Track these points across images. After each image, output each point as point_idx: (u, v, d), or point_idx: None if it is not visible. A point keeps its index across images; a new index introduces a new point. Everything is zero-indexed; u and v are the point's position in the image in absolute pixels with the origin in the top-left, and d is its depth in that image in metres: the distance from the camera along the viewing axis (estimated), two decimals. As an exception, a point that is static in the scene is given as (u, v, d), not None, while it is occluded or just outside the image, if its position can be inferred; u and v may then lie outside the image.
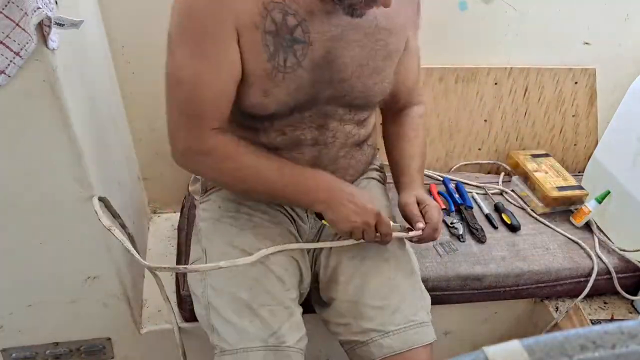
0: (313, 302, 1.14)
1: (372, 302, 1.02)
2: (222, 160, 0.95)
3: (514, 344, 0.35)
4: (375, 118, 1.17)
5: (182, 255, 1.33)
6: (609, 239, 1.43)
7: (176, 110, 0.93)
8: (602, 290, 1.39)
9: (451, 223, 1.42)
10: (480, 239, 1.38)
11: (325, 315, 1.09)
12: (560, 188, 1.49)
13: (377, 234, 0.97)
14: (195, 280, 1.07)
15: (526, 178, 1.56)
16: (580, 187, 1.51)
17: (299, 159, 1.03)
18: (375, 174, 1.25)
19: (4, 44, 0.79)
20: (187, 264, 1.18)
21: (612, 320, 1.36)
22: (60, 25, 0.84)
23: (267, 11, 0.88)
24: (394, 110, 1.20)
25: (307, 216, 1.15)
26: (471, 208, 1.48)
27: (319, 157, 1.05)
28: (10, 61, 0.81)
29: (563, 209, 1.51)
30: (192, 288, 1.08)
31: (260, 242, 1.03)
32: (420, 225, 1.01)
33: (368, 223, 0.95)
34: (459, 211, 1.47)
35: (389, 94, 1.10)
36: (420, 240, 1.04)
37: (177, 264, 1.31)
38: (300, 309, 1.02)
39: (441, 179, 1.60)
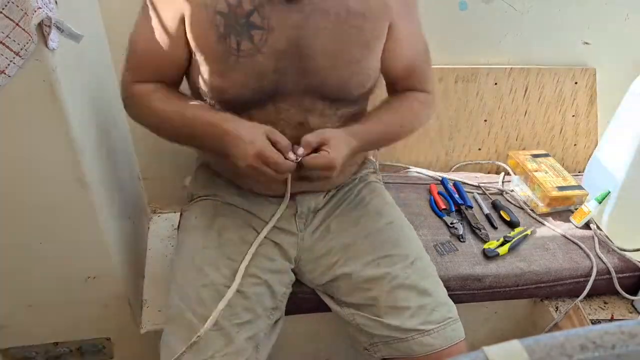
0: (329, 299, 1.12)
1: (409, 302, 1.02)
2: (140, 106, 1.01)
3: (514, 344, 0.35)
4: (364, 114, 1.13)
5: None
6: (608, 238, 1.43)
7: (125, 61, 1.01)
8: (602, 290, 1.39)
9: (451, 223, 1.42)
10: (483, 238, 1.38)
11: (346, 311, 1.08)
12: (560, 188, 1.49)
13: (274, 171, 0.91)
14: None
15: (526, 178, 1.56)
16: (580, 187, 1.51)
17: None
18: (372, 177, 1.24)
19: (3, 44, 0.79)
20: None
21: (612, 320, 1.36)
22: (59, 29, 0.84)
23: None
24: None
25: (296, 222, 1.12)
26: (471, 208, 1.48)
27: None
28: (10, 61, 0.81)
29: (563, 209, 1.51)
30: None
31: (222, 260, 1.02)
32: (292, 155, 0.92)
33: (253, 166, 0.91)
34: (459, 211, 1.47)
35: (386, 83, 1.09)
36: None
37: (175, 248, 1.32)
38: (250, 333, 0.98)
39: (440, 178, 1.60)
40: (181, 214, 1.33)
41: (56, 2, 0.86)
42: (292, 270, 1.12)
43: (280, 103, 0.98)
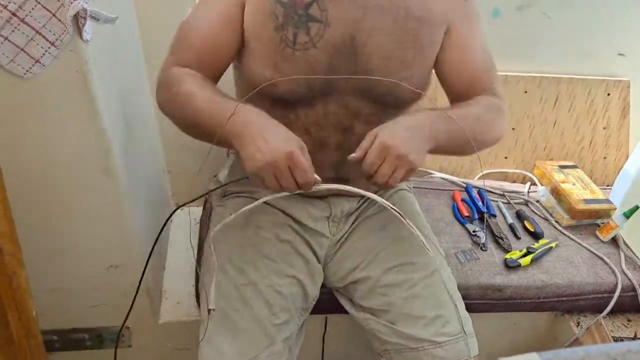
0: (346, 301, 1.12)
1: (424, 312, 1.01)
2: (170, 86, 0.91)
3: (532, 357, 0.34)
4: None
5: (203, 249, 1.34)
6: (635, 255, 1.40)
7: (170, 47, 0.97)
8: (627, 308, 1.36)
9: (473, 231, 1.40)
10: (505, 248, 1.36)
11: (362, 315, 1.07)
12: (588, 201, 1.46)
13: (294, 180, 0.82)
14: (202, 283, 1.07)
15: (553, 189, 1.54)
16: (608, 201, 1.48)
17: (321, 163, 0.98)
18: (404, 184, 1.23)
19: (40, 34, 0.81)
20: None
21: (635, 338, 1.33)
22: (95, 19, 0.86)
23: None
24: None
25: (328, 225, 1.11)
26: (495, 216, 1.46)
27: (340, 163, 1.02)
28: (46, 51, 0.83)
29: (589, 222, 1.48)
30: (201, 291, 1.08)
31: (260, 259, 1.02)
32: (317, 176, 0.84)
33: (276, 165, 0.79)
34: (482, 219, 1.46)
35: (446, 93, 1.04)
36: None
37: (197, 259, 1.32)
38: (287, 334, 0.98)
39: (464, 185, 1.58)
40: (204, 209, 1.33)
41: (92, -5, 0.88)
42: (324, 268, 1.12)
43: (329, 104, 0.97)
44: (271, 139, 0.80)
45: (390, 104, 0.99)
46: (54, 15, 0.80)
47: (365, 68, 0.94)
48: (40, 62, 0.83)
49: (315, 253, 1.10)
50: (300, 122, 0.98)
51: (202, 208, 1.52)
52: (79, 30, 0.83)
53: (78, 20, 0.82)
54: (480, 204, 1.50)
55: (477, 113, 0.97)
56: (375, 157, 0.83)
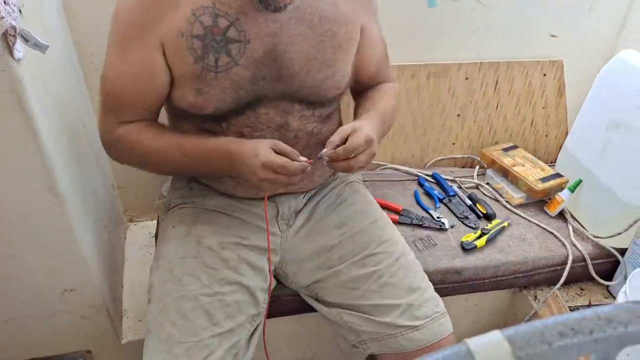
0: (313, 301, 1.12)
1: (397, 299, 1.03)
2: (129, 149, 1.00)
3: (495, 335, 0.36)
4: (340, 114, 1.16)
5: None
6: (582, 226, 1.46)
7: (101, 104, 0.99)
8: (579, 277, 1.42)
9: (437, 217, 1.43)
10: (473, 226, 1.42)
11: (333, 311, 1.08)
12: (543, 179, 1.51)
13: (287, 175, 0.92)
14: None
15: (505, 174, 1.58)
16: (560, 175, 1.53)
17: None
18: (352, 177, 1.24)
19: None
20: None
21: (589, 306, 1.39)
22: (24, 39, 0.82)
23: (195, 17, 0.91)
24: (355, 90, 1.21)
25: (278, 223, 1.12)
26: (454, 195, 1.52)
27: None
28: (-25, 73, 0.79)
29: (538, 199, 1.54)
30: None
31: (201, 269, 1.01)
32: (302, 158, 0.93)
33: (265, 177, 0.91)
34: (444, 204, 1.51)
35: (353, 83, 1.12)
36: (335, 164, 0.95)
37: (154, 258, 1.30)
38: (232, 341, 0.96)
39: (417, 174, 1.61)
40: (158, 223, 1.31)
41: (20, 12, 0.84)
42: (275, 273, 1.12)
43: (258, 108, 0.99)
44: (246, 160, 0.91)
45: (317, 101, 1.04)
46: (-20, 34, 0.77)
47: (288, 73, 0.98)
48: (-31, 85, 0.79)
49: (264, 256, 1.08)
50: (232, 128, 1.01)
51: (155, 221, 1.49)
52: (9, 48, 0.80)
53: (7, 38, 0.79)
54: (436, 192, 1.52)
55: (392, 105, 1.14)
56: (362, 144, 0.92)
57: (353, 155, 0.92)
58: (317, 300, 1.12)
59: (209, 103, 0.96)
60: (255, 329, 1.04)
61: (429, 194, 1.53)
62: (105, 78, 0.97)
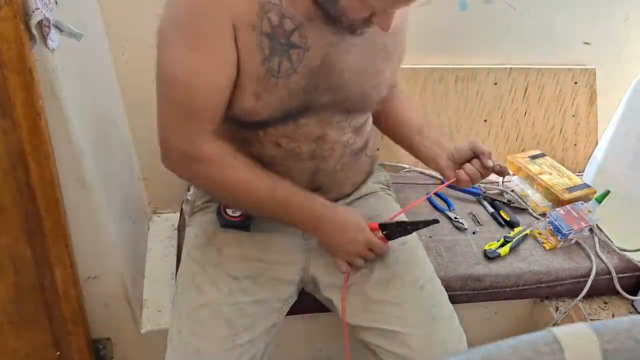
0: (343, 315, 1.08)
1: (416, 330, 0.98)
2: (216, 171, 0.92)
3: (582, 326, 0.36)
4: (371, 123, 1.13)
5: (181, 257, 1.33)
6: (609, 239, 1.43)
7: (169, 111, 0.89)
8: (603, 291, 1.39)
9: (455, 218, 1.43)
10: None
11: (355, 331, 1.05)
12: (570, 189, 1.49)
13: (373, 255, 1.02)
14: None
15: (532, 182, 1.56)
16: (587, 185, 1.51)
17: (294, 174, 1.00)
18: (377, 187, 1.21)
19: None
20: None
21: (612, 320, 1.36)
22: (59, 29, 0.84)
23: (264, 12, 0.85)
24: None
25: (302, 233, 1.08)
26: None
27: (315, 172, 1.02)
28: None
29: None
30: None
31: (222, 278, 0.99)
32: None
33: (359, 253, 1.00)
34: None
35: None
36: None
37: (176, 265, 1.31)
38: (252, 353, 0.95)
39: (441, 178, 1.59)
40: (181, 216, 1.32)
41: (56, 3, 0.86)
42: (301, 282, 1.09)
43: (300, 119, 0.96)
44: (350, 232, 0.99)
45: (359, 110, 1.02)
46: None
47: (337, 83, 0.95)
48: (5, 73, 0.82)
49: (289, 263, 1.06)
50: (269, 137, 0.97)
51: (178, 214, 1.51)
52: (44, 38, 0.82)
53: (42, 29, 0.81)
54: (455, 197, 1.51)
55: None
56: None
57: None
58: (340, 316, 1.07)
59: (264, 110, 0.91)
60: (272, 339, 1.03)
61: (442, 198, 1.53)
62: (174, 81, 0.87)
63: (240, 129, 0.97)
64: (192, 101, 0.87)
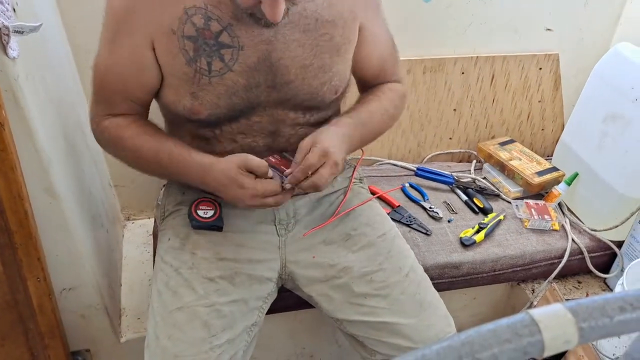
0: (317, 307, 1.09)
1: (405, 318, 1.00)
2: (111, 142, 1.00)
3: (557, 307, 0.37)
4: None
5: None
6: (579, 219, 1.47)
7: (92, 93, 0.99)
8: (576, 270, 1.43)
9: (430, 207, 1.44)
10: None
11: (342, 326, 1.05)
12: (540, 173, 1.52)
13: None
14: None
15: (502, 168, 1.59)
16: (556, 169, 1.54)
17: None
18: (347, 182, 1.19)
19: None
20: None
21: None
22: (19, 32, 0.82)
23: (188, 16, 0.89)
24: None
25: (276, 228, 1.08)
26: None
27: None
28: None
29: (536, 192, 1.54)
30: None
31: (197, 280, 0.99)
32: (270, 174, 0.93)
33: (251, 202, 0.92)
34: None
35: (358, 82, 1.11)
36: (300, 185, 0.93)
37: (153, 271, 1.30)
38: (231, 353, 0.96)
39: (414, 169, 1.61)
40: (155, 222, 1.31)
41: (14, 10, 0.84)
42: (280, 279, 1.08)
43: (252, 116, 0.98)
44: (231, 191, 0.92)
45: (313, 107, 1.02)
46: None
47: (283, 80, 0.96)
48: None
49: (265, 262, 1.05)
50: (225, 135, 1.00)
51: (153, 219, 1.49)
52: (3, 47, 0.80)
53: (1, 37, 0.79)
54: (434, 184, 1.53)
55: (385, 107, 1.09)
56: (317, 161, 0.90)
57: (311, 172, 0.91)
58: (324, 311, 1.08)
59: (204, 108, 0.95)
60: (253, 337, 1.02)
61: (416, 189, 1.54)
62: (95, 69, 0.97)
63: (199, 129, 1.01)
64: (103, 89, 0.98)
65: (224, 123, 0.99)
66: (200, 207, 1.04)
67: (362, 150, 1.13)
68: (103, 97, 0.98)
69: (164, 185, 1.19)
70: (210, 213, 1.04)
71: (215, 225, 1.04)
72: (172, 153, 0.96)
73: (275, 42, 0.93)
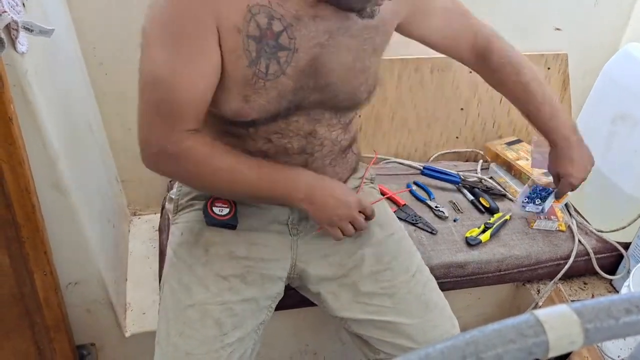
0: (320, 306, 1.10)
1: (410, 319, 1.00)
2: (198, 163, 0.91)
3: (563, 307, 0.37)
4: (357, 121, 1.13)
5: (164, 257, 1.32)
6: (586, 220, 1.46)
7: (150, 110, 0.88)
8: (582, 272, 1.42)
9: (436, 207, 1.44)
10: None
11: (347, 325, 1.06)
12: (547, 173, 1.51)
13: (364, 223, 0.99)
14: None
15: (509, 168, 1.58)
16: (562, 169, 1.53)
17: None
18: (359, 182, 1.19)
19: (-30, 49, 0.77)
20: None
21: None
22: (29, 30, 0.83)
23: (252, 15, 0.84)
24: (475, 63, 1.22)
25: (288, 227, 1.07)
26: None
27: (305, 167, 1.01)
28: (-21, 66, 0.79)
29: (541, 193, 1.53)
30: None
31: (211, 278, 0.99)
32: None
33: (351, 215, 0.97)
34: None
35: (462, 59, 1.19)
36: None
37: (159, 266, 1.30)
38: (241, 351, 0.96)
39: (420, 168, 1.60)
40: (162, 217, 1.31)
41: (24, 5, 0.84)
42: (288, 278, 1.08)
43: (290, 116, 0.96)
44: (341, 196, 0.97)
45: (349, 107, 1.02)
46: (-17, 28, 0.77)
47: (326, 82, 0.94)
48: (-27, 79, 0.80)
49: (275, 261, 1.05)
50: (260, 134, 0.96)
51: (159, 215, 1.49)
52: (12, 42, 0.80)
53: (10, 32, 0.79)
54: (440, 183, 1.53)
55: (535, 76, 1.24)
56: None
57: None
58: (330, 310, 1.08)
59: (253, 111, 0.91)
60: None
61: (422, 188, 1.54)
62: (155, 82, 0.86)
63: (231, 126, 0.96)
64: (173, 103, 0.87)
65: (262, 122, 0.95)
66: (216, 205, 1.02)
67: (374, 150, 1.13)
68: (170, 112, 0.87)
69: (170, 181, 1.19)
70: (226, 211, 1.03)
71: (229, 224, 1.03)
72: (271, 165, 0.96)
73: (327, 46, 0.91)
